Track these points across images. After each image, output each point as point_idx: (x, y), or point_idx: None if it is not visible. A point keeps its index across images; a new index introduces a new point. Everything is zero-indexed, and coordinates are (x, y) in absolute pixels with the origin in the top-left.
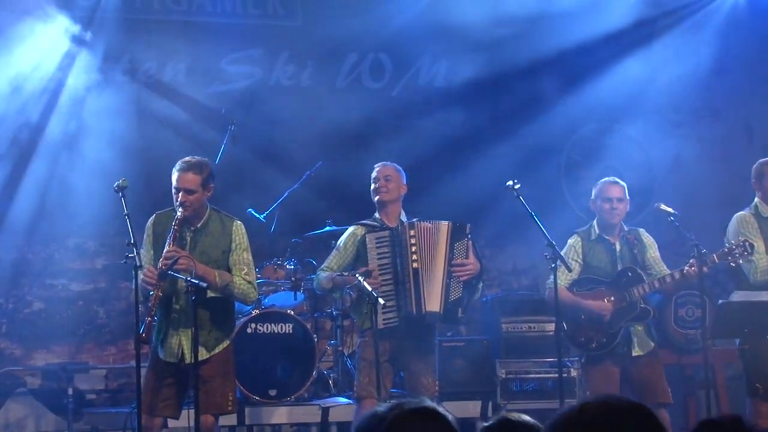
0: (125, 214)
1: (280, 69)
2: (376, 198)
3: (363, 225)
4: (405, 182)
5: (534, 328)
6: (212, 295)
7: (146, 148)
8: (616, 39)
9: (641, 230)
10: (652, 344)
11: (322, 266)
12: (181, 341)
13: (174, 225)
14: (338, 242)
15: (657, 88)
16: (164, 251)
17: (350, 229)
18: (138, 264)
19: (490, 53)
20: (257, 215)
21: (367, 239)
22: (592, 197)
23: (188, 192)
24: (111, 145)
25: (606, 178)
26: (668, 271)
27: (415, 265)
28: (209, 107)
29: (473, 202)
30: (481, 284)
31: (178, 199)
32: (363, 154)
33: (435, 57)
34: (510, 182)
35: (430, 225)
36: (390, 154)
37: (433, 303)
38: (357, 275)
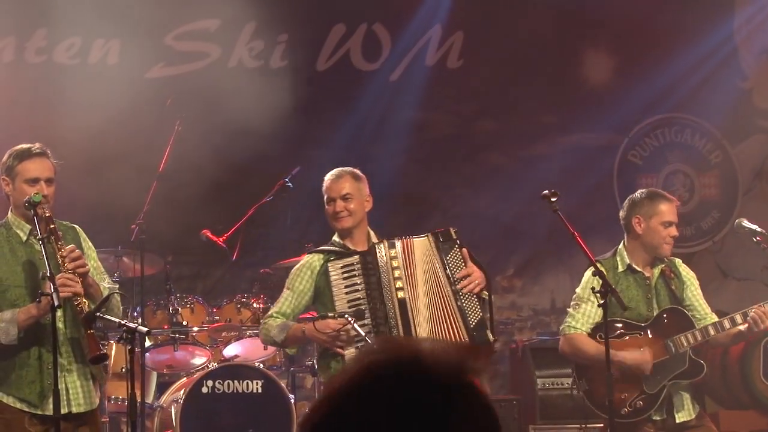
0: (39, 238)
1: (244, 46)
2: (337, 226)
3: (320, 252)
4: (368, 191)
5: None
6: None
7: (67, 151)
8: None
9: (677, 260)
10: (698, 407)
11: (271, 312)
12: (68, 385)
13: (51, 225)
14: (288, 279)
15: (740, 68)
16: (66, 251)
17: (303, 259)
18: (57, 304)
19: (520, 24)
20: (215, 239)
21: (329, 269)
22: (638, 214)
23: (50, 182)
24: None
25: (659, 192)
26: (713, 315)
27: (400, 294)
28: (150, 97)
29: (498, 219)
30: (491, 297)
31: (39, 193)
32: (353, 158)
33: (447, 29)
34: (546, 192)
35: (410, 241)
36: (388, 157)
37: None
38: (346, 316)
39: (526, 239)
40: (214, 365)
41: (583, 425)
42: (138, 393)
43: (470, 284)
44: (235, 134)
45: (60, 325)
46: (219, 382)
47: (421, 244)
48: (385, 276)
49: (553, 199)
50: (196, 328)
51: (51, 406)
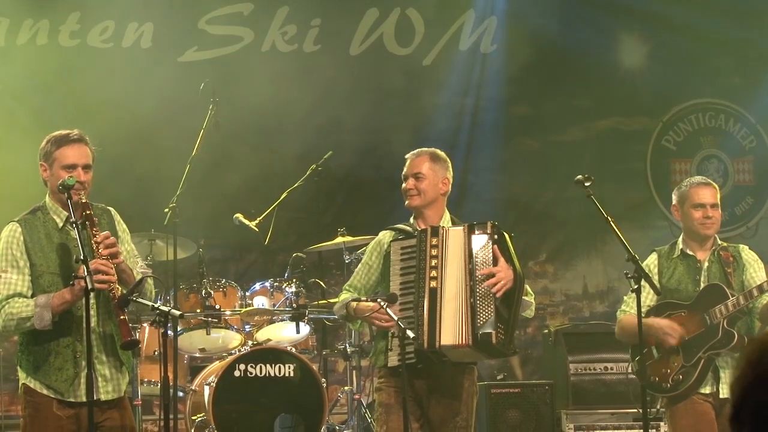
0: (72, 222)
1: (277, 30)
2: (406, 204)
3: (392, 230)
4: (449, 175)
5: (611, 369)
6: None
7: (100, 135)
8: None
9: (742, 246)
10: None
11: (345, 285)
12: (96, 374)
13: (87, 211)
14: (365, 253)
15: None
16: (100, 237)
17: (379, 235)
18: (91, 287)
19: (553, 9)
20: (247, 223)
21: (392, 249)
22: (675, 202)
23: (87, 169)
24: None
25: (694, 179)
26: None
27: (433, 283)
28: (183, 81)
29: (531, 204)
30: (530, 297)
31: (77, 179)
32: (386, 142)
33: (482, 13)
34: (580, 177)
35: (448, 230)
36: (420, 143)
37: (450, 335)
38: (379, 300)
39: (559, 224)
40: (246, 349)
41: (620, 411)
42: (171, 376)
43: (490, 283)
44: (269, 118)
45: (91, 313)
46: (251, 366)
47: (456, 234)
48: (423, 263)
49: (586, 184)
50: (228, 312)
51: (79, 393)
